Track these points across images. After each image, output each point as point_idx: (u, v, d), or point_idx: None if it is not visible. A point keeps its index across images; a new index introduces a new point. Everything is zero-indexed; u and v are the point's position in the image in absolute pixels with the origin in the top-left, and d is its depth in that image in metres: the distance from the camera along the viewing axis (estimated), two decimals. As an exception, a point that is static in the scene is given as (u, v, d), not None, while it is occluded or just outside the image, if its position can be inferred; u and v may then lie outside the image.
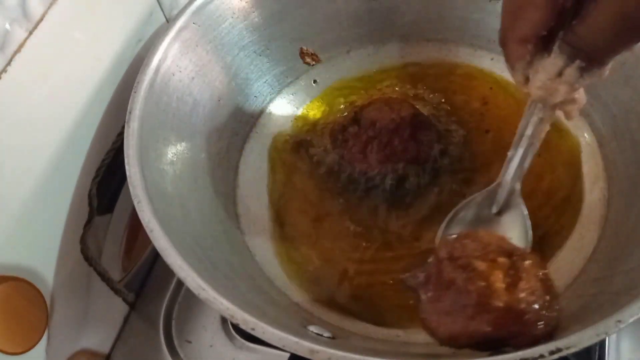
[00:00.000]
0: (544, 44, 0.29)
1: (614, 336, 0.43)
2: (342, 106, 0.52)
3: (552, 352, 0.27)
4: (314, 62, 0.53)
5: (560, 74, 0.29)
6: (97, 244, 0.44)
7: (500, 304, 0.29)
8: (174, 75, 0.43)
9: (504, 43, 0.30)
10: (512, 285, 0.29)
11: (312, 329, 0.36)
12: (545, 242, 0.42)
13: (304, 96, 0.53)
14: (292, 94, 0.53)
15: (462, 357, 0.31)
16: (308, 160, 0.49)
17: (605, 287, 0.36)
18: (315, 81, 0.53)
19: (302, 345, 0.29)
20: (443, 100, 0.51)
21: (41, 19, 0.35)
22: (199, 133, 0.44)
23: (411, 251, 0.43)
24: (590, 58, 0.27)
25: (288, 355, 0.41)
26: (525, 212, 0.38)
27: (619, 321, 0.28)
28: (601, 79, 0.29)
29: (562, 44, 0.28)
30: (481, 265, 0.30)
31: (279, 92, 0.52)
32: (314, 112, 0.52)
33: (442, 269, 0.32)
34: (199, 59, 0.45)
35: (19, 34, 0.33)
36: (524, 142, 0.35)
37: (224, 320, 0.47)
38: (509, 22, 0.30)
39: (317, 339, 0.35)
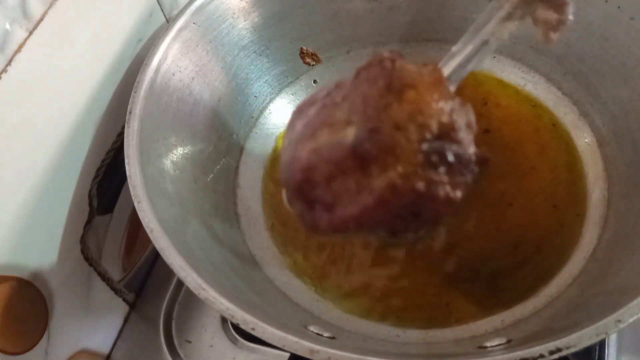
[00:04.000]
0: None
1: (614, 336, 0.43)
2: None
3: (552, 352, 0.27)
4: (314, 62, 0.53)
5: None
6: (97, 244, 0.44)
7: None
8: (174, 75, 0.43)
9: None
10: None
11: (312, 329, 0.36)
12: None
13: (304, 96, 0.53)
14: (292, 94, 0.53)
15: (462, 357, 0.31)
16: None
17: (605, 287, 0.36)
18: (315, 81, 0.53)
19: (302, 345, 0.29)
20: (443, 100, 0.51)
21: (41, 19, 0.35)
22: (199, 133, 0.44)
23: (411, 248, 0.43)
24: None
25: (288, 355, 0.41)
26: None
27: (619, 321, 0.28)
28: None
29: None
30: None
31: (279, 92, 0.52)
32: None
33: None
34: (199, 59, 0.45)
35: (19, 34, 0.33)
36: (477, 39, 0.29)
37: (224, 320, 0.47)
38: None
39: (317, 339, 0.35)
